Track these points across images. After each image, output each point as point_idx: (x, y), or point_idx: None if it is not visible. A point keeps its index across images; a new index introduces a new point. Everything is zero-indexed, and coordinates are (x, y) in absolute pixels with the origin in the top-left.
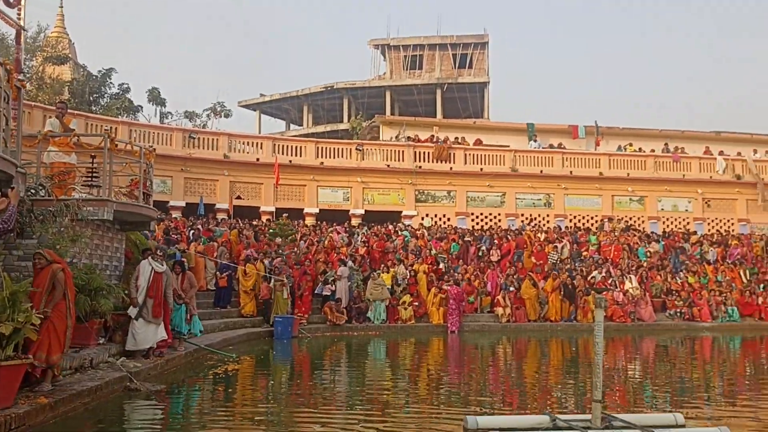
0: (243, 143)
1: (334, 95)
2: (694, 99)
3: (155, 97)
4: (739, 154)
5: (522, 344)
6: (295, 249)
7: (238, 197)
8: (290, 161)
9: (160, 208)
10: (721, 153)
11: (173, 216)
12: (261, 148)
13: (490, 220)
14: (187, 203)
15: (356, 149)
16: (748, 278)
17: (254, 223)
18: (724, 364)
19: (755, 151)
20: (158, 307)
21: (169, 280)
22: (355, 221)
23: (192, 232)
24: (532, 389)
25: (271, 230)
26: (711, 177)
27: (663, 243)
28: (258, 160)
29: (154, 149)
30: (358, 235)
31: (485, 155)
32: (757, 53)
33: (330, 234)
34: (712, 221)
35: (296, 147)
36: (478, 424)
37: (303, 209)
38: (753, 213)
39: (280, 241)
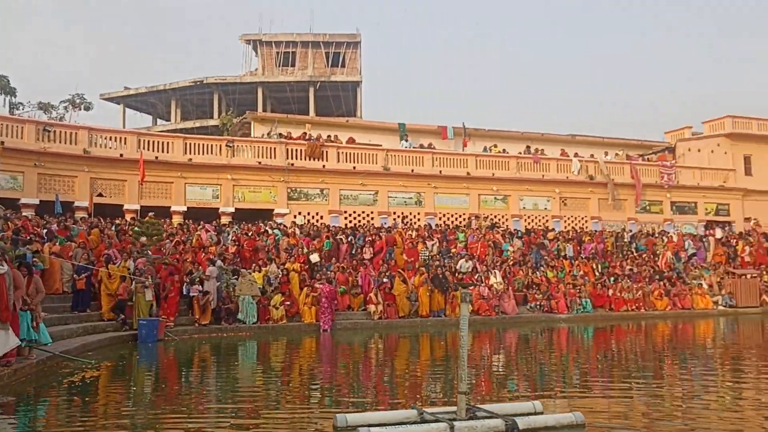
0: (105, 138)
1: (203, 90)
2: (553, 103)
3: (3, 86)
4: (592, 156)
5: (393, 340)
6: (162, 248)
7: (100, 194)
8: (156, 157)
9: (10, 206)
10: (576, 155)
11: (24, 214)
12: (125, 143)
13: (363, 218)
14: (41, 201)
15: (226, 146)
16: (599, 272)
17: (117, 221)
18: (579, 353)
19: (606, 154)
20: (5, 311)
21: (11, 281)
22: (225, 219)
23: (46, 231)
24: (402, 385)
25: (135, 229)
26: (567, 177)
27: (524, 240)
28: (122, 155)
29: (2, 142)
30: (228, 233)
31: (358, 154)
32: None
33: (198, 233)
34: (568, 219)
35: (163, 143)
36: (347, 421)
37: (170, 207)
38: (604, 211)
39: (146, 240)
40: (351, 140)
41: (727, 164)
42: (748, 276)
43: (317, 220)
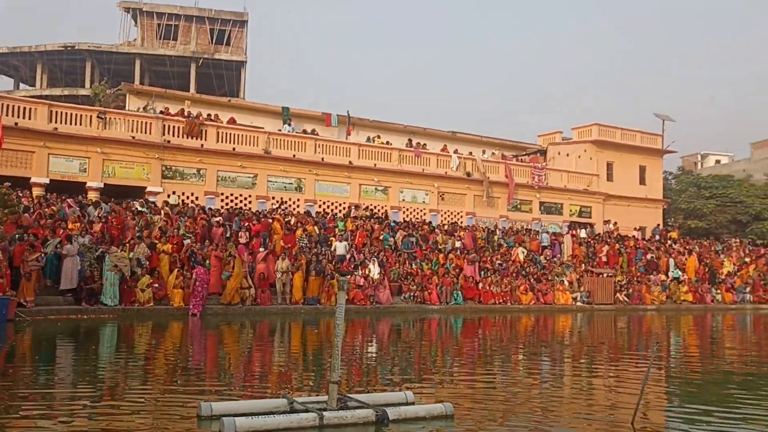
0: None
1: (75, 56)
2: (436, 99)
3: None
4: (470, 153)
5: (265, 327)
6: (18, 222)
7: None
8: (16, 123)
9: None
10: (456, 151)
11: None
12: None
13: (241, 201)
14: None
15: (98, 117)
16: (471, 265)
17: None
18: (449, 344)
19: (483, 152)
20: None
21: None
22: (92, 195)
23: None
24: (272, 373)
25: None
26: (446, 172)
27: (402, 231)
28: None
29: None
30: (95, 209)
31: (239, 135)
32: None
33: (60, 207)
34: (445, 213)
35: (25, 108)
36: (212, 410)
37: (30, 178)
38: (479, 207)
39: None
40: (232, 120)
41: (591, 169)
42: (605, 275)
43: (192, 201)
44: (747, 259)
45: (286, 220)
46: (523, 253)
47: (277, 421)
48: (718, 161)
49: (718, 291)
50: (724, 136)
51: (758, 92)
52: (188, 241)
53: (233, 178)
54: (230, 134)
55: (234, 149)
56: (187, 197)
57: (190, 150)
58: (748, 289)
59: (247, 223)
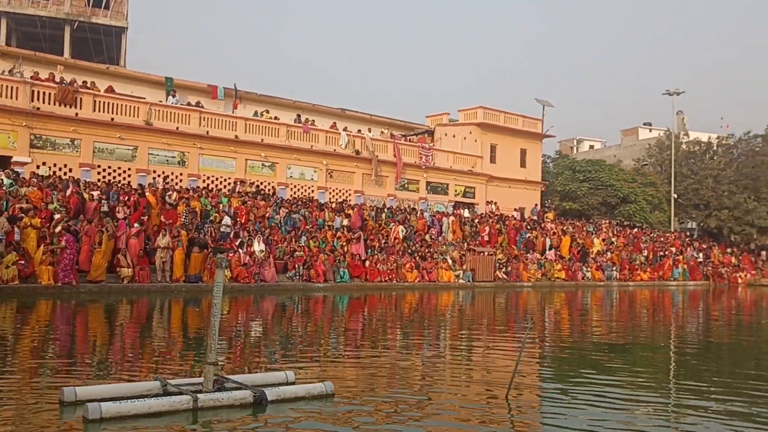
0: None
1: None
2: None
3: None
4: (359, 131)
5: (143, 306)
6: None
7: None
8: None
9: None
10: (345, 129)
11: None
12: None
13: (119, 174)
14: None
15: None
16: (357, 243)
17: None
18: (333, 322)
19: (370, 130)
20: None
21: None
22: None
23: None
24: (148, 354)
25: None
26: (335, 150)
27: (289, 209)
28: None
29: None
30: None
31: (118, 105)
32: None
33: None
34: (333, 191)
35: None
36: (77, 395)
37: None
38: (367, 186)
39: None
40: (110, 89)
41: (476, 151)
42: (486, 254)
43: (65, 173)
44: (614, 239)
45: (168, 194)
46: (403, 231)
47: (148, 405)
48: (591, 146)
49: (589, 269)
50: (597, 123)
51: (629, 82)
52: (59, 215)
53: (111, 150)
54: (108, 103)
55: (112, 119)
56: (60, 169)
57: (63, 119)
58: (615, 268)
59: (126, 198)
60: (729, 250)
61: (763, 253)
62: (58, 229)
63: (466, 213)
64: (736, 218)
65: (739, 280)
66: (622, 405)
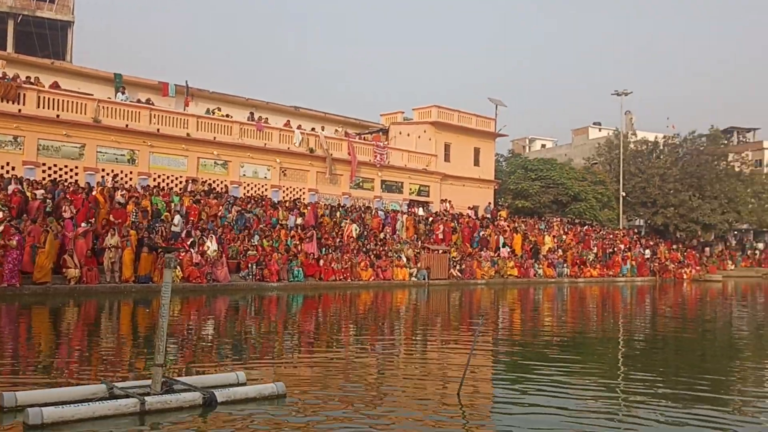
0: None
1: None
2: (279, 73)
3: None
4: (313, 129)
5: (91, 307)
6: None
7: None
8: None
9: None
10: (299, 127)
11: None
12: None
13: (66, 172)
14: None
15: None
16: (311, 242)
17: None
18: (287, 322)
19: (323, 128)
20: None
21: None
22: None
23: None
24: (95, 357)
25: None
26: (288, 148)
27: (242, 207)
28: None
29: None
30: None
31: (64, 101)
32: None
33: None
34: (287, 189)
35: None
36: (17, 400)
37: None
38: (321, 184)
39: None
40: (55, 85)
41: (430, 150)
42: (440, 251)
43: (7, 171)
44: (565, 237)
45: (120, 193)
46: (357, 230)
47: (92, 409)
48: (543, 145)
49: (540, 266)
50: (549, 122)
51: (580, 83)
52: (0, 214)
53: (57, 148)
54: (53, 100)
55: (58, 116)
56: (2, 167)
57: (5, 115)
58: (565, 264)
59: (72, 197)
60: (675, 246)
61: (707, 249)
62: (0, 228)
63: (420, 211)
64: (681, 215)
65: (685, 276)
66: (572, 395)
